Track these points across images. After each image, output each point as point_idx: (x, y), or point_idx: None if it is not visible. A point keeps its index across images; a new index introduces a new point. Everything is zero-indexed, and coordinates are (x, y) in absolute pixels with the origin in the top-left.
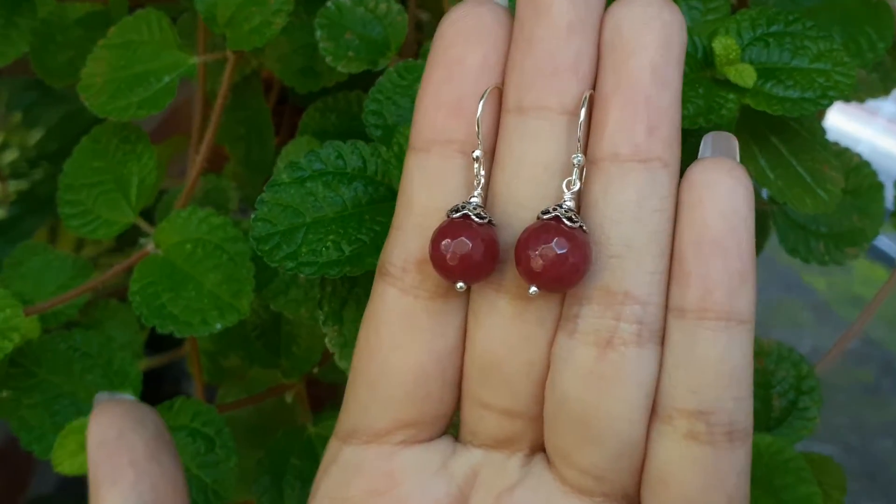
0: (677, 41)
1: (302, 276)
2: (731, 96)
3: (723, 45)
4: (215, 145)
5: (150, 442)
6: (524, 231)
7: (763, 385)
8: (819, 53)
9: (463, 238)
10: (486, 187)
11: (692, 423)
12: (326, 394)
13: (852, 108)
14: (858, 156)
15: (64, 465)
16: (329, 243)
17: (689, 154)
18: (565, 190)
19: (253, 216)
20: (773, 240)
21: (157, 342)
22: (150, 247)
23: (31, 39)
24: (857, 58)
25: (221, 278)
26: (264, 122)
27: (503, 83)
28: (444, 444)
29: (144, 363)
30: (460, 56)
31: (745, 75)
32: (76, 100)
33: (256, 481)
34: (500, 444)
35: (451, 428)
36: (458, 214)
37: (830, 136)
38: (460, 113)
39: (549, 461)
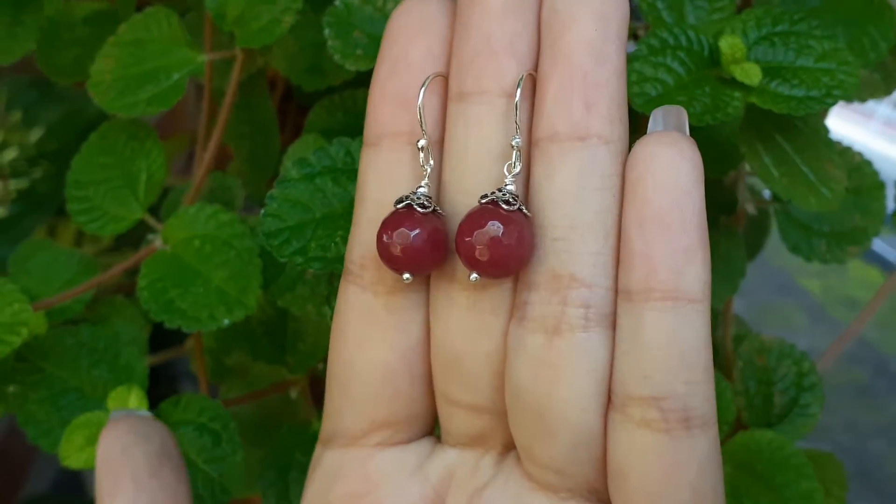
0: (616, 15)
1: (310, 271)
2: (737, 95)
3: (729, 44)
4: (220, 143)
5: (153, 457)
6: (463, 218)
7: (764, 382)
8: (824, 53)
9: (403, 228)
10: (438, 177)
11: (645, 410)
12: None
13: (848, 111)
14: (860, 155)
15: (71, 460)
16: (338, 239)
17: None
18: (506, 173)
19: (262, 212)
20: (767, 242)
21: (153, 342)
22: (157, 243)
23: (38, 37)
24: (860, 57)
25: (229, 274)
26: (269, 120)
27: (448, 72)
28: (423, 445)
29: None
30: (404, 49)
31: (750, 74)
32: (76, 99)
33: (262, 476)
34: (474, 441)
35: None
36: (401, 205)
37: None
38: (406, 105)
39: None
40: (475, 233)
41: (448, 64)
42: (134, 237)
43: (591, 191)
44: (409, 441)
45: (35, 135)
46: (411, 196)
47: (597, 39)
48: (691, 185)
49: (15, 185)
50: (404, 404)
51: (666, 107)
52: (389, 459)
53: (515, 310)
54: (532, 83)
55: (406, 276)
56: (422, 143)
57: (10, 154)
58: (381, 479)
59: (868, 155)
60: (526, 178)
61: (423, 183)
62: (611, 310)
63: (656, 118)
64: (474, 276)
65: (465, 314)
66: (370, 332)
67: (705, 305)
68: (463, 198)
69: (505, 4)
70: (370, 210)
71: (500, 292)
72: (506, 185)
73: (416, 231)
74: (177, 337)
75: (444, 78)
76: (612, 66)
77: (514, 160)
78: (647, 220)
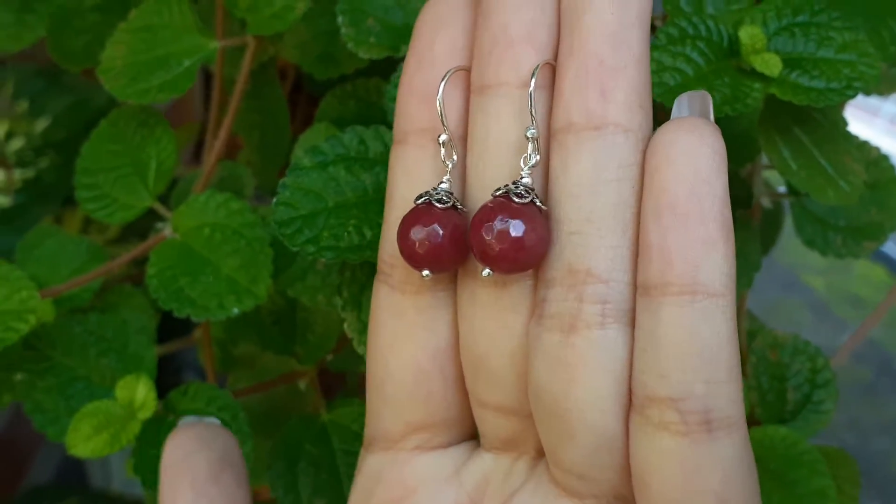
0: None
1: (321, 261)
2: (757, 85)
3: (749, 34)
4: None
5: (214, 463)
6: (475, 212)
7: (778, 378)
8: (844, 44)
9: (420, 224)
10: (462, 172)
11: (663, 412)
12: (335, 383)
13: (853, 108)
14: (878, 149)
15: (78, 448)
16: (351, 228)
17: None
18: (522, 165)
19: (275, 200)
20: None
21: (162, 332)
22: (167, 231)
23: (48, 24)
24: (880, 50)
25: (239, 263)
26: (280, 109)
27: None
28: (462, 450)
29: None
30: (429, 43)
31: (770, 64)
32: (83, 88)
33: (271, 467)
34: (507, 445)
35: None
36: (421, 201)
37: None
38: (430, 100)
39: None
40: (484, 226)
41: (471, 59)
42: (140, 227)
43: (607, 182)
44: (448, 445)
45: (41, 124)
46: (431, 192)
47: (613, 24)
48: (711, 173)
49: (21, 174)
50: (439, 406)
51: (691, 92)
52: (427, 464)
53: (536, 308)
54: (551, 72)
55: (425, 272)
56: (443, 138)
57: (17, 144)
58: (418, 484)
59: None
60: (546, 170)
61: (444, 179)
62: (630, 306)
63: (681, 104)
64: (486, 271)
65: (487, 312)
66: (401, 332)
67: (728, 300)
68: (484, 193)
69: None
70: (398, 208)
71: (521, 289)
72: (521, 177)
73: (433, 227)
74: (183, 327)
75: (468, 71)
76: (631, 51)
77: (529, 152)
78: (664, 210)
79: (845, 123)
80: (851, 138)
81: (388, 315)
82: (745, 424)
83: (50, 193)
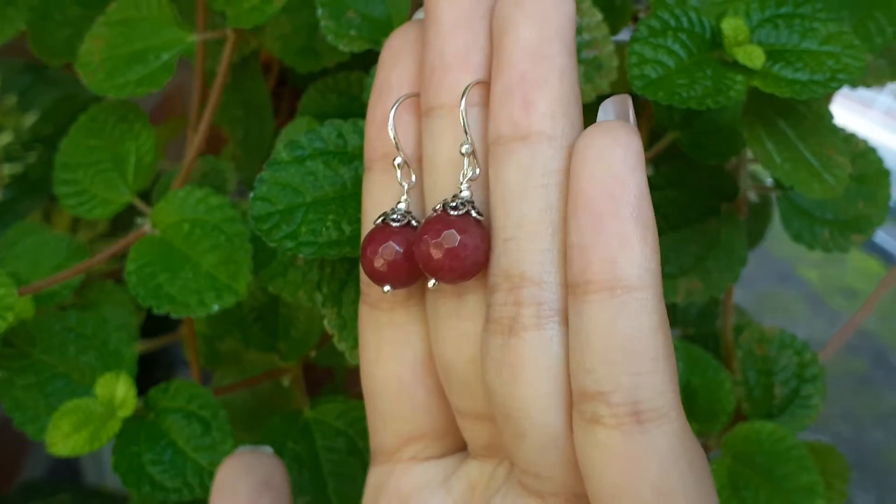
0: (556, 14)
1: (301, 257)
2: (739, 78)
3: (731, 26)
4: (214, 127)
5: (255, 486)
6: (420, 228)
7: (765, 372)
8: (829, 36)
9: (377, 242)
10: (421, 192)
11: (594, 406)
12: (323, 378)
13: (847, 99)
14: (865, 142)
15: (58, 447)
16: (329, 223)
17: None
18: (461, 179)
19: (252, 195)
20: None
21: (151, 327)
22: (146, 227)
23: (29, 17)
24: (866, 42)
25: (219, 259)
26: (263, 103)
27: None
28: (454, 460)
29: (138, 347)
30: (387, 76)
31: (753, 57)
32: (72, 83)
33: None
34: (487, 451)
35: None
36: (379, 221)
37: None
38: (395, 121)
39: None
40: (422, 239)
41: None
42: (129, 222)
43: (535, 188)
44: (442, 456)
45: (30, 119)
46: (388, 212)
47: (532, 40)
48: (625, 172)
49: (9, 169)
50: (425, 418)
51: (614, 96)
52: (420, 473)
53: (485, 317)
54: (486, 91)
55: (386, 288)
56: (398, 160)
57: (5, 138)
58: (411, 492)
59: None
60: (485, 183)
61: (402, 199)
62: (564, 306)
63: (605, 109)
64: (432, 282)
65: (449, 322)
66: (382, 347)
67: (649, 293)
68: None
69: (455, 19)
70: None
71: (476, 298)
72: (460, 191)
73: (389, 244)
74: (173, 322)
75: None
76: (552, 63)
77: (465, 167)
78: (580, 210)
79: (831, 116)
80: (837, 131)
81: (369, 332)
82: (682, 415)
83: (38, 188)
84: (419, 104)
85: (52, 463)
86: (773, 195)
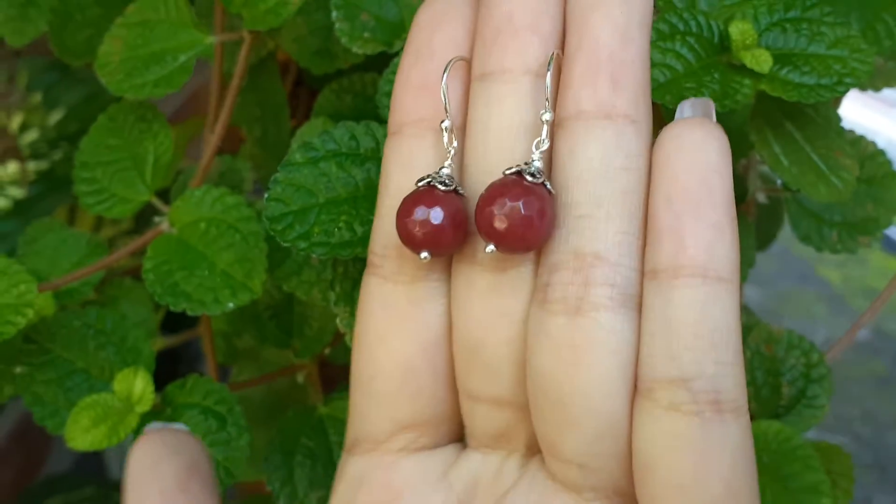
0: (640, 0)
1: (314, 256)
2: (747, 81)
3: (739, 29)
4: (232, 127)
5: (183, 471)
6: (485, 190)
7: (772, 372)
8: (836, 40)
9: (423, 205)
10: (461, 160)
11: (673, 393)
12: (338, 375)
13: (870, 99)
14: (873, 144)
15: (77, 441)
16: (342, 224)
17: None
18: (534, 150)
19: (266, 196)
20: (787, 231)
21: (174, 322)
22: (164, 225)
23: (50, 18)
24: (875, 45)
25: (234, 258)
26: (280, 103)
27: (471, 56)
28: (449, 452)
29: (161, 343)
30: (428, 38)
31: (761, 61)
32: (97, 81)
33: (267, 460)
34: (497, 442)
35: None
36: (422, 183)
37: (847, 128)
38: (429, 91)
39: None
40: (496, 201)
41: (472, 51)
42: (152, 220)
43: (616, 170)
44: (435, 447)
45: (55, 116)
46: (433, 175)
47: (622, 20)
48: (721, 164)
49: (35, 166)
50: (428, 403)
51: (693, 98)
52: (413, 466)
53: (536, 293)
54: (559, 62)
55: (424, 254)
56: (446, 123)
57: (31, 136)
58: (404, 487)
59: (889, 144)
60: (548, 158)
61: (446, 164)
62: (636, 291)
63: (683, 108)
64: (490, 247)
65: (485, 298)
66: (391, 324)
67: (735, 285)
68: (484, 177)
69: None
70: (393, 197)
71: (520, 274)
72: (533, 160)
73: (436, 208)
74: (194, 318)
75: (468, 63)
76: (637, 48)
77: (543, 136)
78: (676, 196)
79: (839, 119)
80: (845, 134)
81: (378, 306)
82: (748, 411)
83: (63, 185)
84: (465, 70)
85: (78, 457)
86: (783, 197)
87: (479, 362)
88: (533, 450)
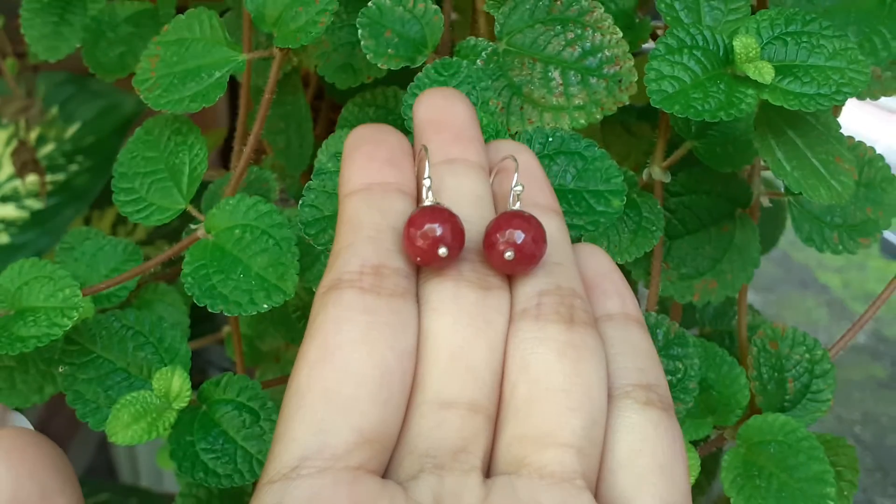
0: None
1: None
2: (751, 92)
3: (743, 43)
4: None
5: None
6: (494, 221)
7: (777, 369)
8: (834, 52)
9: (438, 213)
10: None
11: (647, 394)
12: None
13: (870, 107)
14: (872, 149)
15: (118, 436)
16: None
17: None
18: (510, 205)
19: (301, 202)
20: (788, 237)
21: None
22: (200, 232)
23: (84, 36)
24: (872, 56)
25: (268, 262)
26: (303, 116)
27: (417, 153)
28: (394, 486)
29: None
30: (380, 140)
31: (763, 72)
32: (112, 94)
33: None
34: (454, 458)
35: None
36: (427, 204)
37: (846, 134)
38: (394, 164)
39: (512, 469)
40: (522, 218)
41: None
42: (165, 230)
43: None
44: (382, 473)
45: (71, 129)
46: (431, 202)
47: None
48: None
49: (52, 178)
50: (392, 414)
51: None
52: (375, 484)
53: (524, 313)
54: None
55: (442, 249)
56: (427, 182)
57: (48, 148)
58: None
59: (889, 151)
60: None
61: (427, 199)
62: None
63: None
64: (510, 253)
65: (474, 309)
66: (374, 328)
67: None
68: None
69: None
70: (369, 231)
71: (500, 296)
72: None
73: (450, 216)
74: (209, 327)
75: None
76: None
77: (510, 201)
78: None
79: (838, 126)
80: (844, 140)
81: (356, 313)
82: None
83: (80, 196)
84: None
85: (90, 461)
86: (785, 200)
87: (462, 366)
88: (486, 471)
